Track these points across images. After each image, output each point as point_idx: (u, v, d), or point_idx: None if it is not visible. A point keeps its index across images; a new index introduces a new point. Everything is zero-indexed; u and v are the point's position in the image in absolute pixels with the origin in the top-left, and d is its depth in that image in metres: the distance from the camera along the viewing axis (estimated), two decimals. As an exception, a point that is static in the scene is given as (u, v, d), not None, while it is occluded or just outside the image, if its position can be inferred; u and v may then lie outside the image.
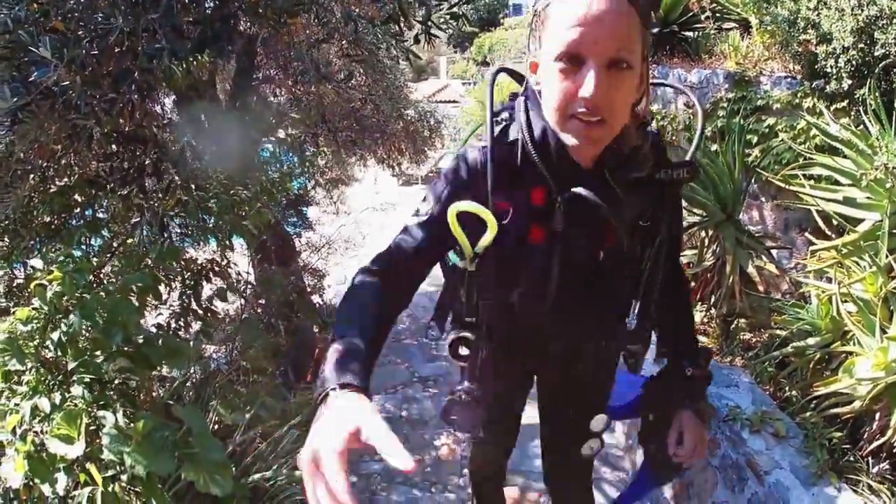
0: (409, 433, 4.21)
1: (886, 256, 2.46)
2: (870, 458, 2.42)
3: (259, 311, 4.83)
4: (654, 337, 1.64)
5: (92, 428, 1.65)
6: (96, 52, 1.87)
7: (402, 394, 5.00)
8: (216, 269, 3.46)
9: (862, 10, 3.38)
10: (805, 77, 3.96)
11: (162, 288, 2.83)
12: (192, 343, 2.89)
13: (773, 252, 3.72)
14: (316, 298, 6.41)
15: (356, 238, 7.84)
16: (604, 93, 1.09)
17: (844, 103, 3.64)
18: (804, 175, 3.20)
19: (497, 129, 1.33)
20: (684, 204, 2.75)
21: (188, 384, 2.84)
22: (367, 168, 7.98)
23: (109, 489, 1.58)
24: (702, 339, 3.63)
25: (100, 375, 1.80)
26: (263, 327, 4.56)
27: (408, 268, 1.31)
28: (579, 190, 1.23)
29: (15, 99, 1.68)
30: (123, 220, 2.92)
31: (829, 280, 2.83)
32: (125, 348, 1.95)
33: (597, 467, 3.48)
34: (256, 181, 3.67)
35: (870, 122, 2.88)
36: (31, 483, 1.58)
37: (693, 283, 3.66)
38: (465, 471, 3.71)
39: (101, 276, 2.72)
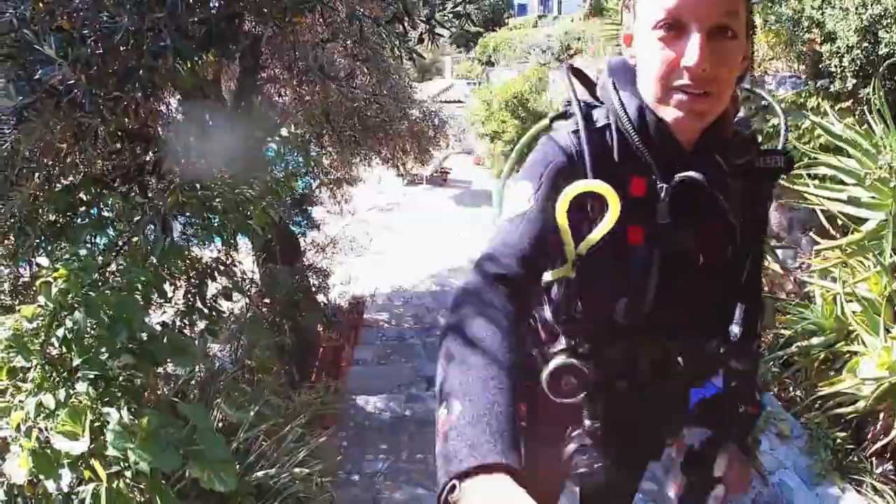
0: (413, 432, 4.22)
1: (891, 256, 2.46)
2: (874, 459, 2.42)
3: (264, 310, 4.85)
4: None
5: (97, 424, 1.66)
6: (101, 52, 1.88)
7: (407, 393, 5.01)
8: (221, 267, 3.47)
9: (866, 9, 3.38)
10: (809, 76, 3.96)
11: (167, 286, 2.85)
12: (196, 342, 2.90)
13: (778, 252, 3.72)
14: (321, 298, 6.42)
15: (361, 238, 7.85)
16: (708, 62, 0.99)
17: (849, 102, 3.65)
18: (808, 174, 3.20)
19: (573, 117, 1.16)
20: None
21: (193, 382, 2.85)
22: (372, 168, 7.99)
23: (114, 485, 1.59)
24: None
25: (104, 372, 1.81)
26: (268, 326, 4.58)
27: (517, 287, 1.02)
28: (690, 174, 1.08)
29: (20, 97, 1.69)
30: (128, 218, 2.92)
31: (834, 280, 2.83)
32: (130, 345, 1.96)
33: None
34: (261, 180, 3.68)
35: (874, 121, 2.88)
36: (35, 479, 1.59)
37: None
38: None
39: (107, 274, 2.73)
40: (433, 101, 7.99)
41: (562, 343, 1.19)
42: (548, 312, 1.26)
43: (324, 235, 7.09)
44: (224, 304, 3.42)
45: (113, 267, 2.91)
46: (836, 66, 3.59)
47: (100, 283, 2.21)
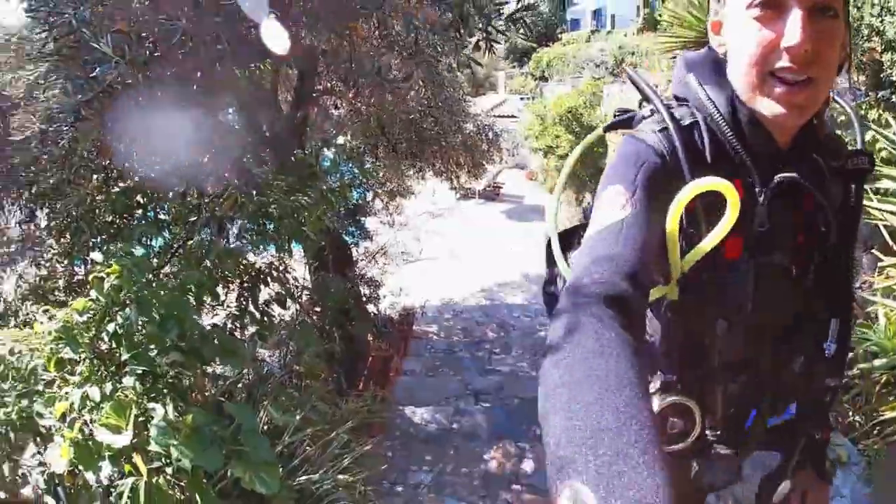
0: (459, 445, 4.16)
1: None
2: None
3: (314, 317, 4.88)
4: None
5: (141, 419, 1.67)
6: (158, 54, 1.92)
7: (454, 406, 4.96)
8: (274, 273, 3.51)
9: (931, 16, 3.21)
10: (870, 87, 3.78)
11: (220, 289, 2.89)
12: (246, 345, 2.93)
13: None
14: (371, 308, 6.44)
15: (412, 248, 7.88)
16: (811, 41, 0.89)
17: (912, 113, 3.46)
18: (871, 189, 3.03)
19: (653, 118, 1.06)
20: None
21: (240, 385, 2.87)
22: (425, 181, 8.03)
23: (154, 481, 1.59)
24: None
25: (152, 368, 1.83)
26: (318, 334, 4.60)
27: (629, 308, 0.82)
28: (792, 175, 0.98)
29: (79, 96, 1.73)
30: (184, 220, 2.99)
31: (898, 299, 2.68)
32: (179, 344, 1.97)
33: None
34: (317, 189, 3.71)
35: (942, 131, 2.71)
36: (76, 470, 1.60)
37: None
38: (514, 486, 3.63)
39: (161, 276, 2.79)
40: (487, 115, 7.96)
41: (661, 377, 1.08)
42: (659, 341, 1.11)
43: (376, 245, 7.14)
44: (275, 310, 3.46)
45: (167, 269, 2.98)
46: (899, 76, 3.42)
47: (153, 283, 2.25)
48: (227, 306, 3.03)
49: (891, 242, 2.91)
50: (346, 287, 5.13)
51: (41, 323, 2.09)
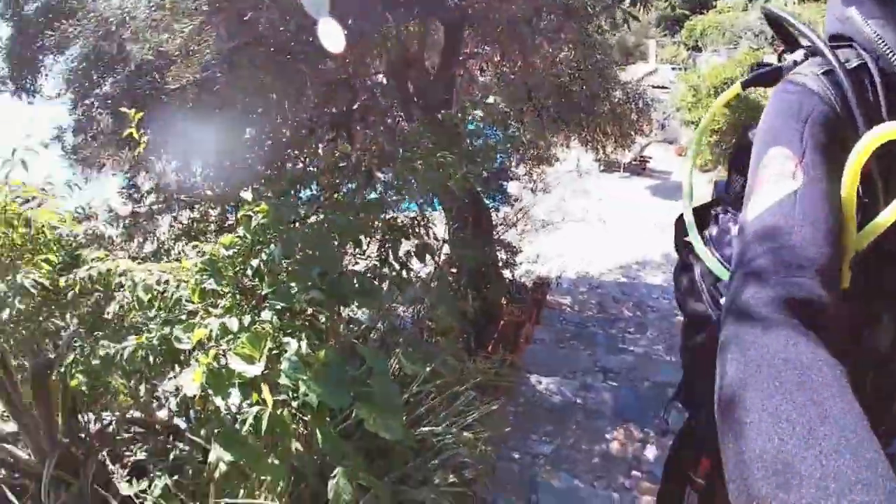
0: (582, 421, 4.07)
1: None
2: None
3: (450, 277, 4.94)
4: None
5: (274, 353, 1.75)
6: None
7: (581, 381, 4.85)
8: (415, 229, 3.57)
9: None
10: None
11: (363, 238, 2.97)
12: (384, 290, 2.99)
13: None
14: (507, 273, 6.43)
15: (552, 217, 7.73)
16: None
17: None
18: None
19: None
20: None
21: (374, 336, 2.96)
22: (570, 149, 7.81)
23: (279, 412, 1.66)
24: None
25: (291, 305, 1.90)
26: (453, 293, 4.65)
27: (825, 315, 0.66)
28: None
29: (233, 43, 1.80)
30: (332, 169, 3.09)
31: None
32: (320, 283, 2.04)
33: None
34: (462, 148, 3.71)
35: None
36: (207, 395, 1.70)
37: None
38: (633, 472, 3.50)
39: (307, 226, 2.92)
40: (637, 83, 7.48)
41: None
42: None
43: (515, 211, 7.07)
44: (414, 264, 3.51)
45: (313, 219, 3.11)
46: None
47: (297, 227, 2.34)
48: (368, 256, 3.11)
49: None
50: (485, 249, 5.14)
51: (189, 258, 2.25)
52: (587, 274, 8.61)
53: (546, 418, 4.08)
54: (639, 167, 15.75)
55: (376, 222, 2.97)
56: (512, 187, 7.06)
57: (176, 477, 2.49)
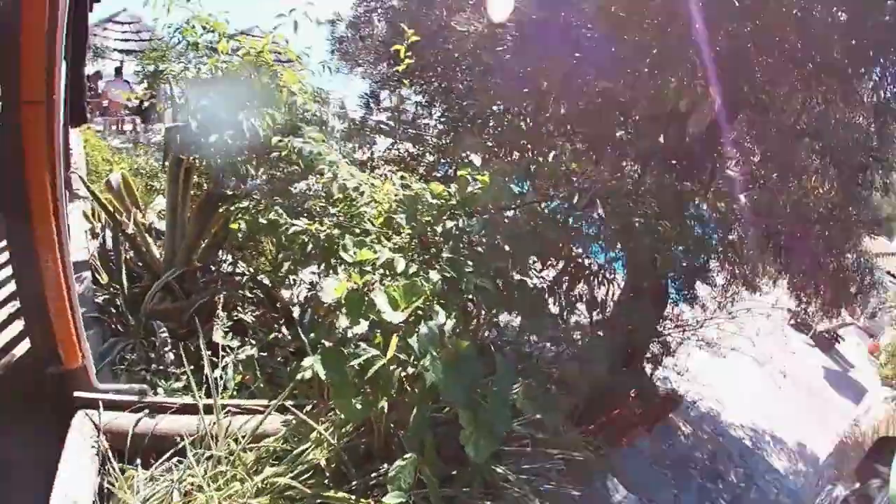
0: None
1: None
2: None
3: (600, 332, 4.66)
4: None
5: (419, 314, 1.64)
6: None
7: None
8: (601, 276, 3.36)
9: None
10: None
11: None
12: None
13: None
14: (648, 367, 6.00)
15: (718, 341, 7.06)
16: None
17: None
18: None
19: None
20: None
21: (508, 347, 2.80)
22: (774, 286, 7.04)
23: (391, 368, 1.56)
24: None
25: (460, 280, 1.80)
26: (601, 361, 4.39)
27: None
28: None
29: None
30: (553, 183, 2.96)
31: None
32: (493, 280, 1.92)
33: None
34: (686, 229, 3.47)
35: None
36: (336, 310, 1.63)
37: None
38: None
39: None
40: (871, 257, 6.48)
41: None
42: None
43: (691, 315, 6.54)
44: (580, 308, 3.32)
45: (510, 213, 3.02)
46: None
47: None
48: (543, 278, 2.98)
49: None
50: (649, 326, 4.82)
51: (393, 184, 2.20)
52: (718, 415, 7.88)
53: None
54: (827, 343, 14.05)
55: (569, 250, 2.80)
56: (700, 290, 6.52)
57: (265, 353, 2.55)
